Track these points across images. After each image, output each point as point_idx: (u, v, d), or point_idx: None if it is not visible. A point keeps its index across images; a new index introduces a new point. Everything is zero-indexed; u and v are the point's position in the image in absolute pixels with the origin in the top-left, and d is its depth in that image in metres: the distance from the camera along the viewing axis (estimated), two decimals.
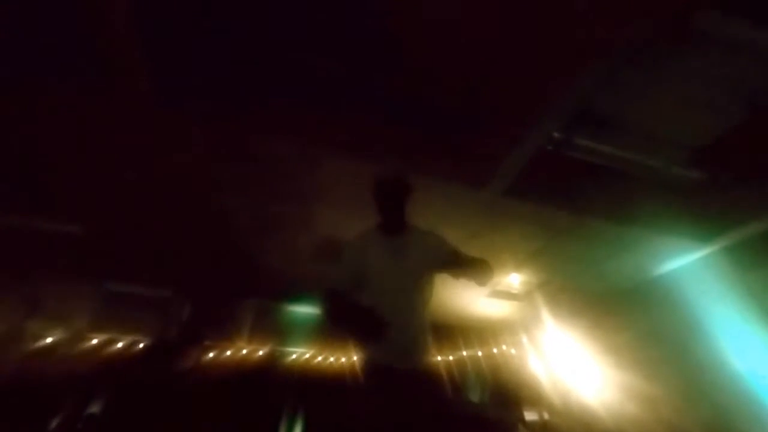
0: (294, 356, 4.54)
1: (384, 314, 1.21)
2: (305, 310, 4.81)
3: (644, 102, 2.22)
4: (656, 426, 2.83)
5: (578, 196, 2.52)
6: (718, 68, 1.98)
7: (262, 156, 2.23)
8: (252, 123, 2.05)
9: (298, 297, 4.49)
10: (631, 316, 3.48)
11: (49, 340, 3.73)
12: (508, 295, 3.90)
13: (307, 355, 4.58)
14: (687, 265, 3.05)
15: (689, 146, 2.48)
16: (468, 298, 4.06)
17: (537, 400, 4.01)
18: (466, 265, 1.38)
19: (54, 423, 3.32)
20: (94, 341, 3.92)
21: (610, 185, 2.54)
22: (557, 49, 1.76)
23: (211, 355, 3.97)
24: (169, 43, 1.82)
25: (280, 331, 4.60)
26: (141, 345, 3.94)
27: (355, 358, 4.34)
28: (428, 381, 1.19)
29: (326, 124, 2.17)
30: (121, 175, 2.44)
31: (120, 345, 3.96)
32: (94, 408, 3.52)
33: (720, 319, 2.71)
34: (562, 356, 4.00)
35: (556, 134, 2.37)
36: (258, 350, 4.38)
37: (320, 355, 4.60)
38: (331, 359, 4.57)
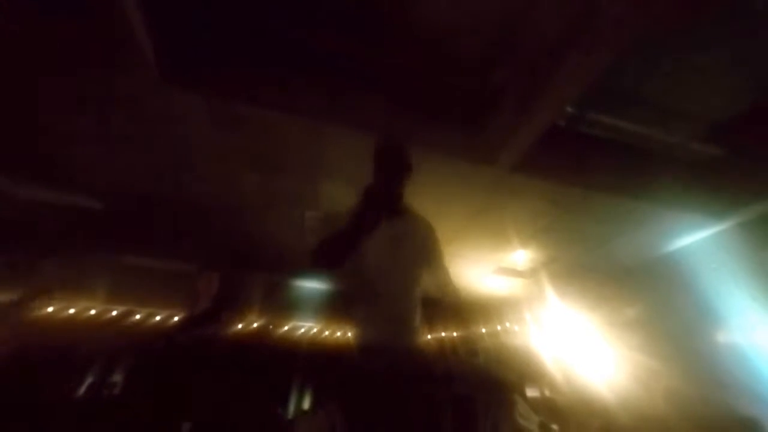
0: (302, 330, 4.70)
1: (375, 294, 1.23)
2: (313, 285, 4.93)
3: (664, 74, 2.11)
4: (660, 404, 2.87)
5: (589, 171, 2.46)
6: (744, 38, 1.86)
7: (267, 130, 2.22)
8: (256, 97, 2.02)
9: (306, 272, 4.59)
10: (639, 293, 3.46)
11: (71, 311, 3.93)
12: (513, 273, 3.92)
13: (315, 329, 4.73)
14: (699, 242, 2.97)
15: (710, 120, 2.38)
16: (472, 275, 4.09)
17: (539, 377, 4.10)
18: (440, 277, 1.39)
19: (82, 389, 3.56)
20: (114, 313, 4.12)
21: (623, 160, 2.47)
22: (574, 21, 1.66)
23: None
24: (172, 14, 1.78)
25: (289, 306, 4.74)
26: (169, 317, 4.11)
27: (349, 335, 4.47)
28: (422, 357, 1.19)
29: (332, 99, 2.13)
30: (136, 150, 2.48)
31: (138, 317, 4.16)
32: (117, 376, 3.75)
33: (731, 298, 2.67)
34: (567, 334, 4.05)
35: (569, 109, 2.30)
36: (267, 324, 4.54)
37: (328, 329, 4.75)
38: (339, 333, 4.72)
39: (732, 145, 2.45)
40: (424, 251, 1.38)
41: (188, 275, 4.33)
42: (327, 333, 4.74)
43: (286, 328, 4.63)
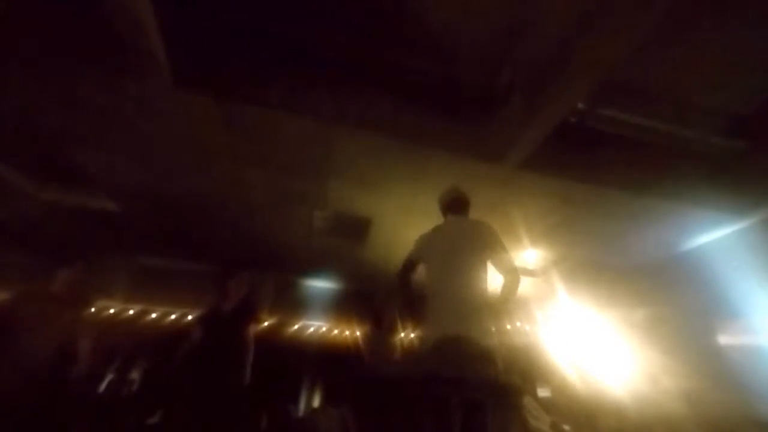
0: (312, 329, 4.75)
1: (436, 288, 1.43)
2: (322, 284, 4.97)
3: (680, 67, 2.05)
4: (675, 405, 2.79)
5: (602, 168, 2.41)
6: (763, 27, 1.79)
7: (275, 130, 2.24)
8: (265, 97, 2.05)
9: (315, 271, 4.63)
10: (654, 292, 3.37)
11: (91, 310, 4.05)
12: (523, 271, 3.87)
13: (325, 328, 4.77)
14: (719, 240, 2.87)
15: (729, 114, 2.30)
16: None
17: (551, 377, 4.05)
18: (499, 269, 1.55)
19: (102, 387, 3.67)
20: (131, 312, 4.23)
21: (637, 157, 2.41)
22: (584, 14, 1.62)
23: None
24: (183, 18, 1.82)
25: (299, 305, 4.80)
26: (191, 316, 4.20)
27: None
28: (472, 348, 1.21)
29: (340, 98, 2.14)
30: (148, 151, 2.54)
31: (154, 316, 4.27)
32: (135, 374, 3.86)
33: (753, 298, 2.58)
34: (579, 333, 3.99)
35: (580, 105, 2.25)
36: (278, 323, 4.60)
37: (337, 327, 4.78)
38: (347, 332, 4.75)
39: (753, 139, 2.36)
40: (477, 241, 1.57)
41: (200, 274, 4.44)
42: (336, 331, 4.78)
43: (295, 326, 4.69)
